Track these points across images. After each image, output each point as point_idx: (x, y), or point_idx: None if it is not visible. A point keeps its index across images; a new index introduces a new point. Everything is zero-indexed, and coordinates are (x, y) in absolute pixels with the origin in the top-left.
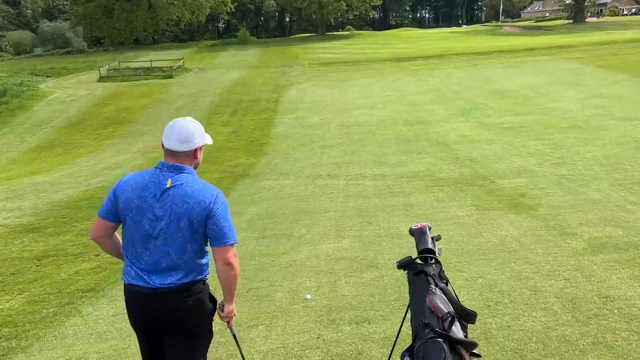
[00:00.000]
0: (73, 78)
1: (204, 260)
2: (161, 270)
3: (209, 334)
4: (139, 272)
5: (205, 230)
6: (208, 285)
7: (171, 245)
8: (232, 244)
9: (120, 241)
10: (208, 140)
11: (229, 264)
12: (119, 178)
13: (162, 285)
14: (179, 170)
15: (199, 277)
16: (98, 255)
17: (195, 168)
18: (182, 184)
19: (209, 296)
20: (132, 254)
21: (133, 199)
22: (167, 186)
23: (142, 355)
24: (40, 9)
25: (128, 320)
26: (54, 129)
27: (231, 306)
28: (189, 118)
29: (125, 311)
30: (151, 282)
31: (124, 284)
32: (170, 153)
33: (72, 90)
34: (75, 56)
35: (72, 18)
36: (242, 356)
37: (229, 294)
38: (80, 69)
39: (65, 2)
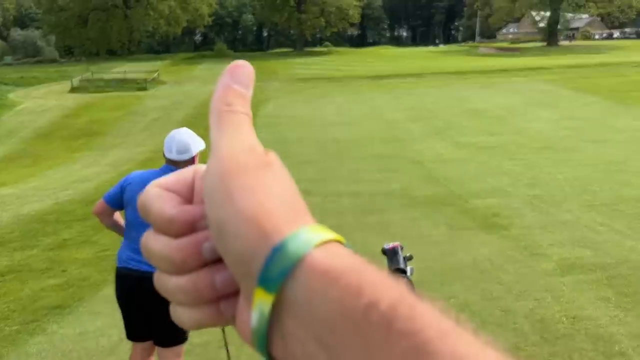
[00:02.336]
0: (44, 88)
1: None
2: None
3: None
4: (133, 255)
5: None
6: None
7: None
8: None
9: (120, 220)
10: (201, 144)
11: None
12: (89, 192)
13: (151, 270)
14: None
15: None
16: (65, 271)
17: None
18: None
19: None
20: (130, 239)
21: (137, 191)
22: None
23: (126, 331)
24: (12, 17)
25: (94, 339)
26: (22, 140)
27: None
28: (184, 129)
29: (91, 330)
30: (141, 267)
31: (117, 267)
32: (172, 162)
33: (42, 100)
34: (46, 66)
35: (44, 27)
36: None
37: None
38: (52, 78)
39: (38, 11)
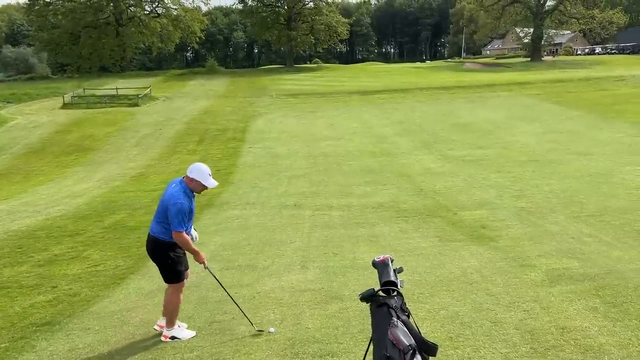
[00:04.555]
0: (35, 104)
1: (167, 230)
2: (153, 226)
3: (169, 263)
4: (152, 226)
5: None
6: (167, 243)
7: (159, 216)
8: (174, 230)
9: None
10: (207, 182)
11: (177, 239)
12: (80, 208)
13: (151, 233)
14: (177, 181)
15: (163, 237)
16: (55, 287)
17: (189, 186)
18: (171, 188)
19: (166, 248)
20: (156, 218)
21: (164, 194)
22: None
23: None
24: (4, 34)
25: (84, 356)
26: (13, 156)
27: (197, 256)
28: (205, 166)
29: (81, 346)
30: (150, 231)
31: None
32: (185, 176)
33: (34, 116)
34: (38, 82)
35: (36, 44)
36: (229, 294)
37: (188, 251)
38: (44, 95)
39: (29, 28)
